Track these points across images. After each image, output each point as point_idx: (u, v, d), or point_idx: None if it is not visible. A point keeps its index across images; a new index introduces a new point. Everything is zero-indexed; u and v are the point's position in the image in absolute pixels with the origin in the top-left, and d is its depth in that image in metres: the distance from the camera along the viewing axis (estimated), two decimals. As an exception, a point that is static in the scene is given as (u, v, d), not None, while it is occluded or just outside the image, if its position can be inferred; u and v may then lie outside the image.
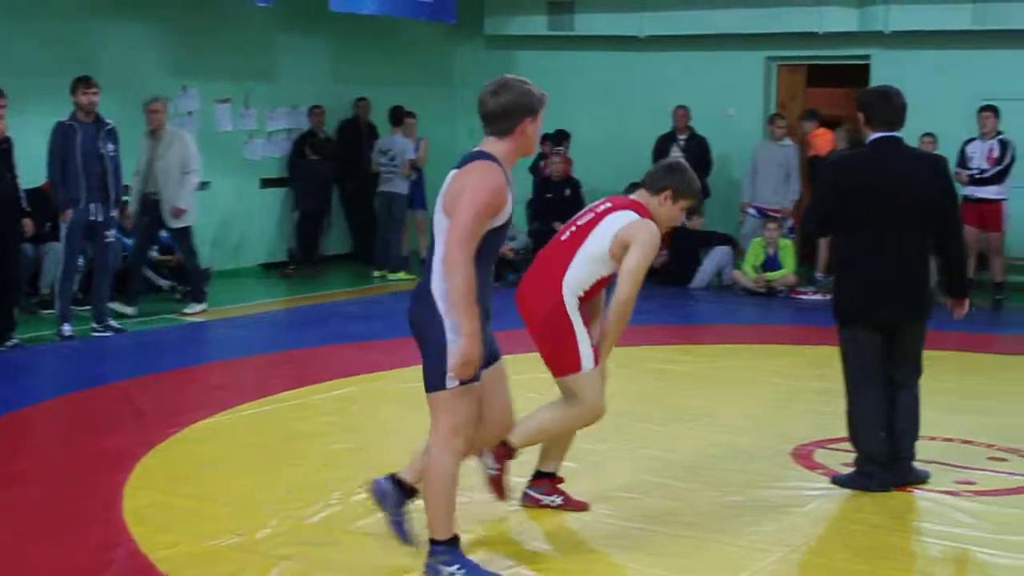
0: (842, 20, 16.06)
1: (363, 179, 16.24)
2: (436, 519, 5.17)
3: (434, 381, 5.07)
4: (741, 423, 8.15)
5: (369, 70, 17.01)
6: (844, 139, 15.34)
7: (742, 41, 16.70)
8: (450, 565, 5.15)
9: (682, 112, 15.89)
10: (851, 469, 6.82)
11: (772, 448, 7.48)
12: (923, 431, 7.05)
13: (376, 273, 15.41)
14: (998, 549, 5.80)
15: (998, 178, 13.50)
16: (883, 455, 6.63)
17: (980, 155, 13.60)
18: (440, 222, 5.05)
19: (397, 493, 5.53)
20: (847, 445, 6.90)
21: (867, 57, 16.29)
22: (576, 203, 15.85)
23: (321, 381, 9.26)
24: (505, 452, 6.03)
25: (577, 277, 5.96)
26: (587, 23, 17.62)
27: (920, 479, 6.72)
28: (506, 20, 18.19)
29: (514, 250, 15.05)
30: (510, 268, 14.91)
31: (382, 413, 8.60)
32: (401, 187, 15.20)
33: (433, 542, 5.20)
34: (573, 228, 6.11)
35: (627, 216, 5.98)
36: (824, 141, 15.68)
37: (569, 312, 5.95)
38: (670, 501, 6.35)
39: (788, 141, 15.29)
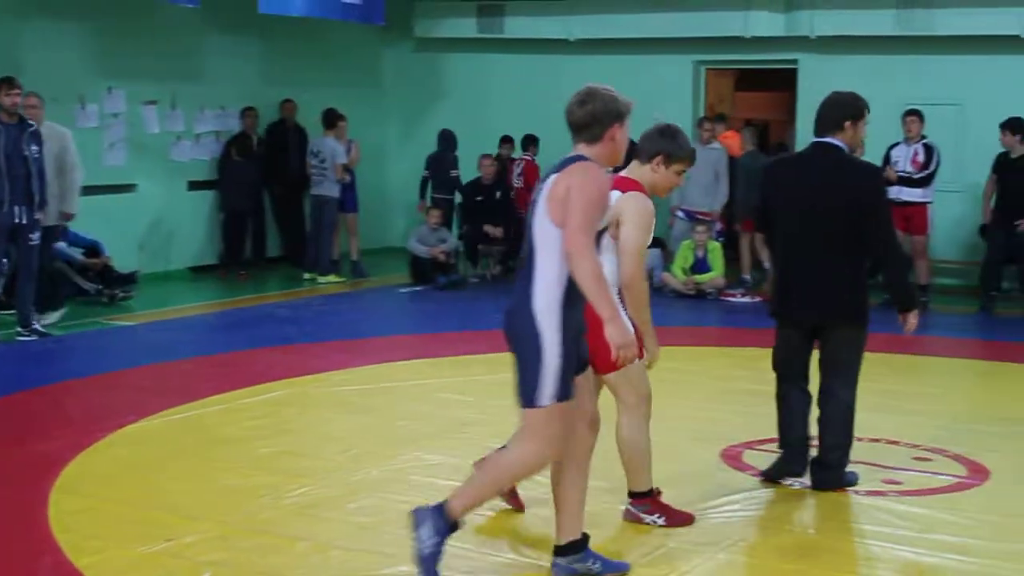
0: (769, 25, 16.21)
1: (292, 181, 16.18)
2: (467, 499, 5.17)
3: (527, 398, 5.05)
4: (671, 424, 8.14)
5: (298, 72, 16.93)
6: (751, 140, 15.59)
7: (671, 45, 16.80)
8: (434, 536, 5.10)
9: (611, 115, 15.92)
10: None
11: (702, 449, 7.53)
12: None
13: (306, 276, 15.34)
14: (923, 548, 5.88)
15: (925, 182, 13.68)
16: (800, 445, 6.73)
17: (905, 159, 13.78)
18: (544, 228, 5.01)
19: (576, 552, 5.38)
20: (776, 446, 6.97)
21: (794, 61, 16.45)
22: (507, 207, 15.90)
23: (250, 385, 9.20)
24: (648, 499, 6.12)
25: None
26: (517, 26, 17.66)
27: (850, 483, 6.79)
28: (436, 23, 18.19)
29: (445, 252, 15.04)
30: (441, 270, 14.91)
31: (312, 416, 8.57)
32: (331, 190, 15.14)
33: (441, 508, 5.13)
34: None
35: (611, 197, 5.84)
36: (733, 143, 15.85)
37: None
38: (601, 503, 6.36)
39: (717, 144, 15.39)
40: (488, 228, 15.67)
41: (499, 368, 9.82)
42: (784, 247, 6.74)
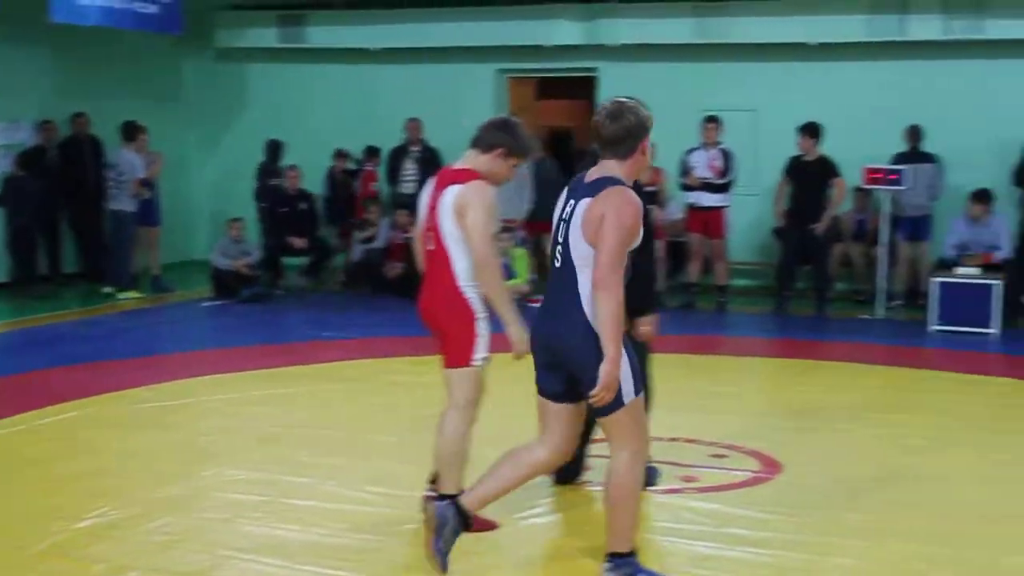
0: (569, 34, 16.44)
1: (89, 196, 15.77)
2: (622, 532, 5.32)
3: (613, 403, 5.14)
4: (475, 432, 8.20)
5: (95, 83, 16.53)
6: (537, 148, 15.83)
7: (473, 53, 16.92)
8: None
9: (414, 124, 16.01)
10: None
11: (498, 454, 7.55)
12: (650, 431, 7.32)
13: (105, 292, 14.97)
14: (720, 542, 6.03)
15: (725, 187, 14.03)
16: None
17: (703, 164, 14.10)
18: (580, 249, 5.13)
19: (463, 528, 5.46)
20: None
21: (595, 70, 16.72)
22: (311, 217, 15.80)
23: (45, 405, 8.94)
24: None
25: (466, 268, 5.95)
26: (319, 36, 17.55)
27: (651, 482, 6.85)
28: (237, 33, 17.96)
29: (248, 265, 14.86)
30: (244, 283, 14.73)
31: (111, 435, 8.35)
32: (128, 204, 14.77)
33: (614, 556, 5.34)
34: (430, 231, 6.06)
35: (451, 191, 5.94)
36: None
37: (472, 305, 5.98)
38: (394, 510, 6.38)
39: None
40: (292, 239, 15.55)
41: (302, 381, 9.84)
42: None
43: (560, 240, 5.24)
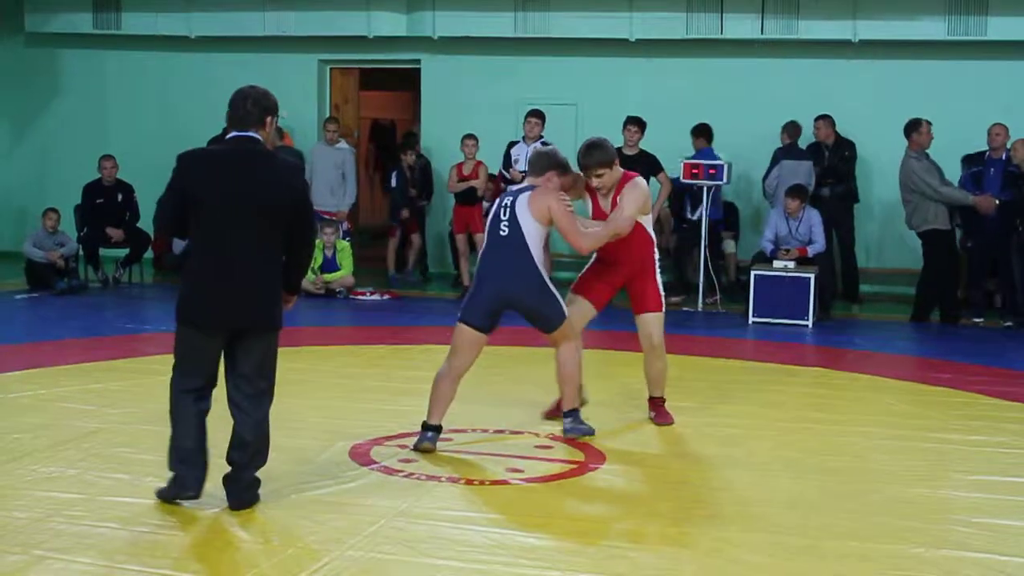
0: (391, 25, 16.42)
1: None
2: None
3: None
4: (298, 425, 8.11)
5: None
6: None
7: (294, 43, 16.76)
8: None
9: (236, 114, 15.76)
10: (407, 464, 6.98)
11: (329, 447, 7.51)
12: (475, 423, 7.37)
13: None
14: (543, 532, 6.04)
15: (547, 181, 14.13)
16: (195, 459, 6.28)
17: (525, 157, 14.16)
18: None
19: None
20: (405, 440, 7.08)
21: (417, 61, 16.71)
22: (129, 207, 15.45)
23: None
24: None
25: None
26: (134, 22, 17.18)
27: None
28: (48, 17, 17.45)
29: (63, 256, 14.48)
30: (60, 275, 14.35)
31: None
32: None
33: None
34: None
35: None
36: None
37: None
38: (216, 508, 6.26)
39: (344, 144, 15.46)
40: (110, 231, 15.19)
41: (120, 375, 9.59)
42: (202, 246, 6.23)
43: None
